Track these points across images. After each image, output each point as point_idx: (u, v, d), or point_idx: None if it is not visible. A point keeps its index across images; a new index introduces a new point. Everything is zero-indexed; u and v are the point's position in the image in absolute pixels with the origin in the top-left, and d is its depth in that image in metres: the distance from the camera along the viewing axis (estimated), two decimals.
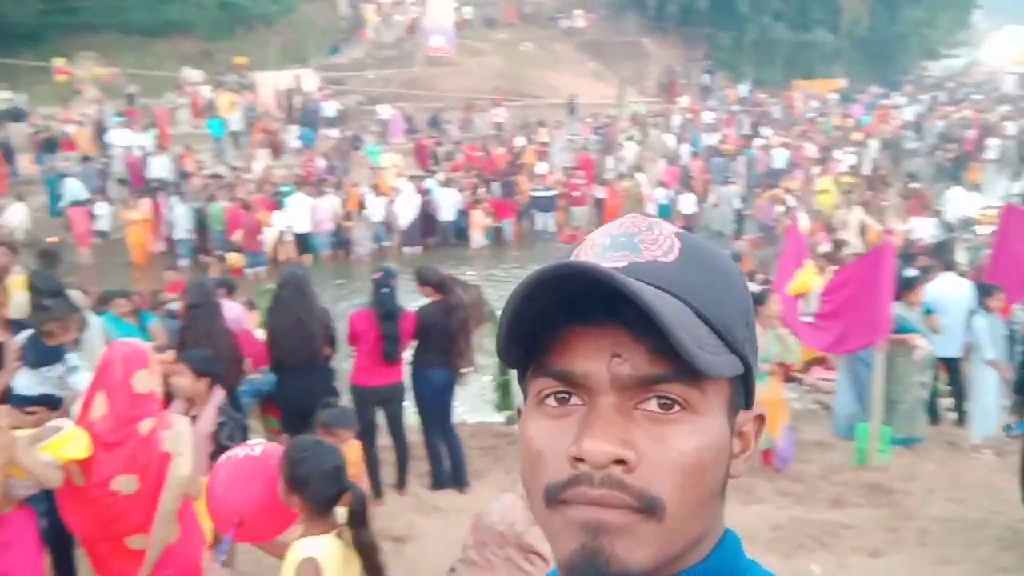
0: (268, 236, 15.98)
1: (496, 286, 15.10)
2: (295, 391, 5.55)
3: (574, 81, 29.80)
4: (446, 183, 18.25)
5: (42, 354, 3.91)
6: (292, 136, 23.59)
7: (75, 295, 5.68)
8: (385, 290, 6.02)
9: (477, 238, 17.92)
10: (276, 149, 22.63)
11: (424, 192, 17.83)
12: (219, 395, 4.33)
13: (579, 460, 0.72)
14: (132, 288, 10.08)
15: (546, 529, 0.76)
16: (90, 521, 3.51)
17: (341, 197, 17.54)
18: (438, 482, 6.46)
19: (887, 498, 6.25)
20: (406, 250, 17.11)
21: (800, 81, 35.48)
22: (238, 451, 3.01)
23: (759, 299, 6.64)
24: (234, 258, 14.04)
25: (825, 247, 12.40)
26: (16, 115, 23.21)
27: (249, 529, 2.83)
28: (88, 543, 3.66)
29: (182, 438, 3.61)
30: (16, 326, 3.88)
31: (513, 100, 27.40)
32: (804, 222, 13.85)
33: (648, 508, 0.72)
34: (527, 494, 0.78)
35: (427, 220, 17.73)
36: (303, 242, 16.67)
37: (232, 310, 7.46)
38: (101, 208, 17.28)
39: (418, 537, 5.43)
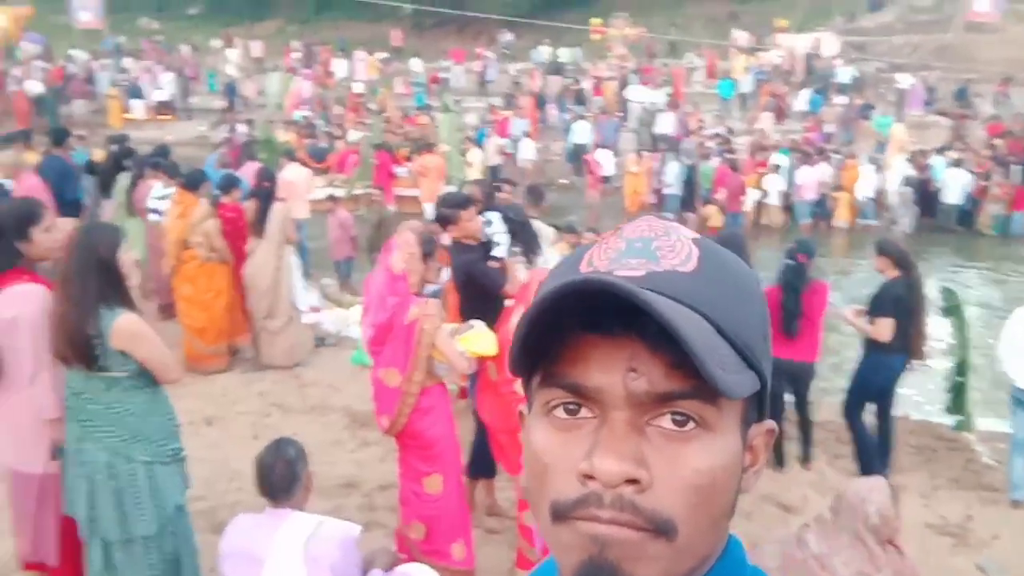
0: (750, 198, 16.18)
1: (984, 282, 13.55)
2: None
3: None
4: (956, 162, 16.60)
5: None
6: (800, 101, 23.24)
7: (539, 225, 6.61)
8: (790, 262, 5.89)
9: (983, 226, 16.15)
10: (780, 113, 22.52)
11: (924, 169, 16.47)
12: None
13: (589, 477, 0.70)
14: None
15: (552, 542, 0.74)
16: (495, 412, 4.19)
17: (835, 167, 16.99)
18: (866, 466, 6.14)
19: None
20: (896, 229, 16.03)
21: None
22: None
23: None
24: (712, 214, 14.48)
25: None
26: (555, 69, 26.24)
27: None
28: (492, 431, 4.36)
29: None
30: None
31: None
32: None
33: (660, 529, 0.70)
34: (532, 505, 0.76)
35: (927, 200, 16.38)
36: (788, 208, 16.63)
37: None
38: (607, 156, 18.94)
39: (806, 511, 5.38)
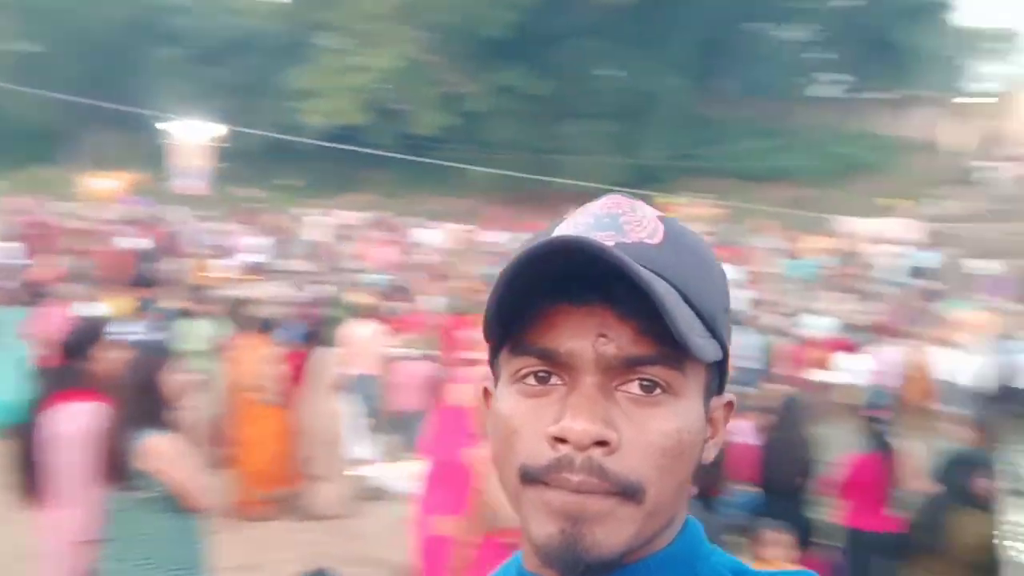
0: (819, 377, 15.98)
1: None
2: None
3: None
4: None
5: None
6: (870, 285, 23.11)
7: None
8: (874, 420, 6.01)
9: None
10: (853, 296, 22.38)
11: (999, 354, 16.04)
12: None
13: (559, 440, 0.70)
14: None
15: (517, 505, 0.74)
16: None
17: (907, 350, 16.66)
18: None
19: None
20: (971, 414, 15.39)
21: None
22: None
23: None
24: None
25: None
26: None
27: None
28: None
29: None
30: None
31: None
32: None
33: (628, 492, 0.71)
34: (497, 471, 0.76)
35: (1006, 387, 15.82)
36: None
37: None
38: None
39: None
